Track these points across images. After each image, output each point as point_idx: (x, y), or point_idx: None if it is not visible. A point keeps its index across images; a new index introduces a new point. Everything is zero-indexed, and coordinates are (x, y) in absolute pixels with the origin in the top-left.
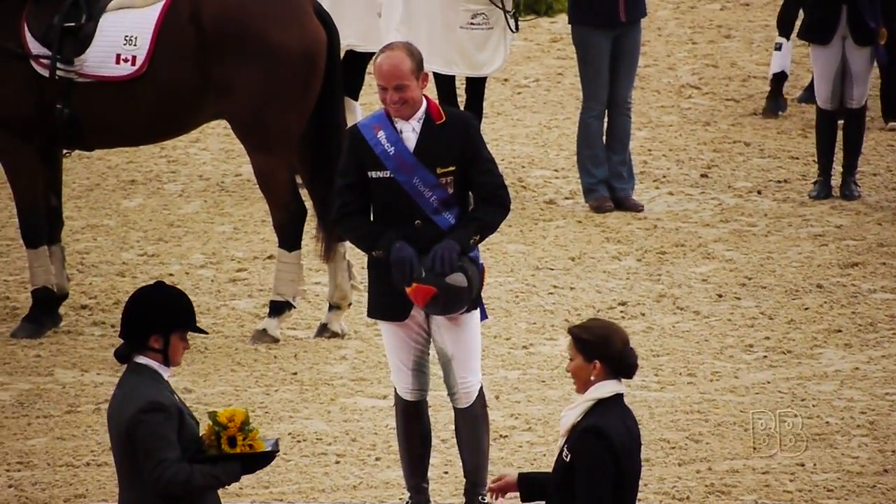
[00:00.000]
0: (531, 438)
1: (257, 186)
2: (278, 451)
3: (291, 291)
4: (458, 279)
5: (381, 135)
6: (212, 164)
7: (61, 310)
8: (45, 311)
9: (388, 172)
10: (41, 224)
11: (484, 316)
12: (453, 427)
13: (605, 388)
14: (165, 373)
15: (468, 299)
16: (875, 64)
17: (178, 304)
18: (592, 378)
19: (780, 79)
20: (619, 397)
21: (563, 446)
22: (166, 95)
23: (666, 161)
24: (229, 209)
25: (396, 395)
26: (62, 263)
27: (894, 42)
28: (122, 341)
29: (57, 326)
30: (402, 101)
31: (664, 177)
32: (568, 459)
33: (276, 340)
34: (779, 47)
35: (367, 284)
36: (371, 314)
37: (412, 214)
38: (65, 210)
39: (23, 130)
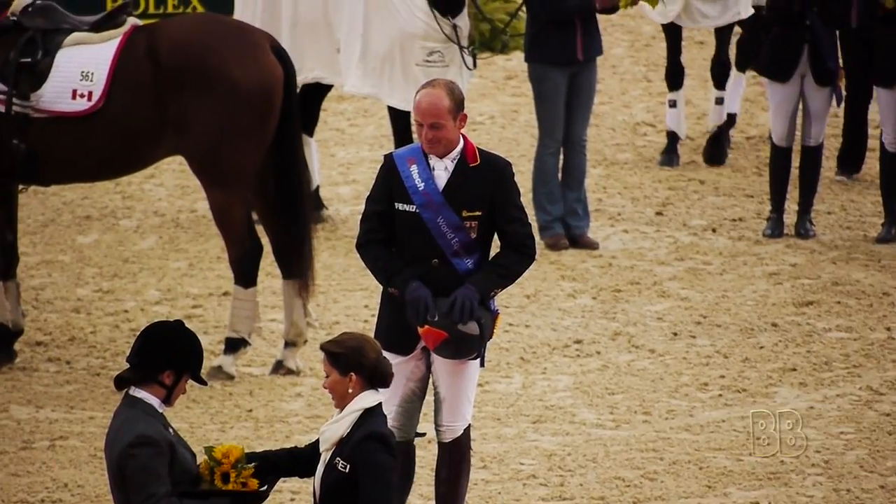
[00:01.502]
0: (486, 476)
1: (213, 222)
2: (269, 491)
3: (247, 328)
4: (471, 327)
5: (414, 169)
6: (167, 199)
7: (16, 346)
8: None
9: (414, 207)
10: None
11: (482, 364)
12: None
13: (368, 399)
14: (160, 407)
15: (478, 348)
16: (833, 104)
17: (197, 349)
18: (350, 391)
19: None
20: (380, 406)
21: (335, 458)
22: (123, 131)
23: (621, 199)
24: (185, 245)
25: None
26: (17, 299)
27: (855, 91)
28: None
29: (12, 363)
30: (436, 139)
31: (619, 214)
32: (347, 470)
33: (231, 377)
34: (673, 104)
35: (377, 312)
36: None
37: (431, 253)
38: (20, 245)
39: None
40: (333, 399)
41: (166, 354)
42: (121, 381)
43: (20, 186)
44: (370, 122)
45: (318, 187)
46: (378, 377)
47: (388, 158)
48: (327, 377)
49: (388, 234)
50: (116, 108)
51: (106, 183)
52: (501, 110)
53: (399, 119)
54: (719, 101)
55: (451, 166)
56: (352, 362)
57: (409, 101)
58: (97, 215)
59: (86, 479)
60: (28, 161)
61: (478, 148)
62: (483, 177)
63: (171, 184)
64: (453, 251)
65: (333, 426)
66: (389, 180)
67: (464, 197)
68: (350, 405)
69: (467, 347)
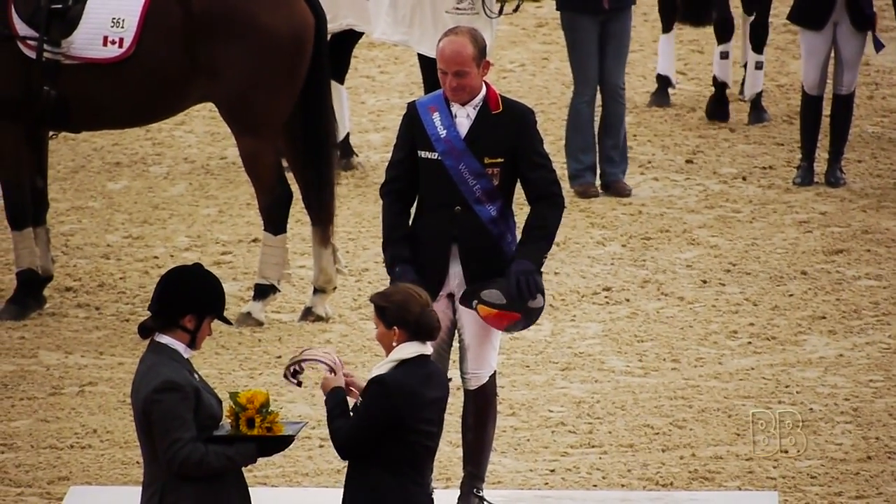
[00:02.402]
0: (514, 423)
1: (243, 169)
2: (295, 436)
3: (276, 275)
4: (538, 301)
5: (436, 116)
6: (197, 146)
7: (46, 292)
8: (29, 293)
9: (437, 155)
10: (26, 206)
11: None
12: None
13: (407, 350)
14: (185, 352)
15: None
16: (865, 52)
17: (218, 290)
18: (394, 343)
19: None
20: (421, 358)
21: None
22: (153, 78)
23: (651, 147)
24: (214, 192)
25: None
26: (47, 245)
27: None
28: (146, 316)
29: (41, 308)
30: (460, 87)
31: (649, 162)
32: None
33: (260, 324)
34: (725, 55)
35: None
36: None
37: (454, 200)
38: (50, 192)
39: (9, 112)
40: (385, 350)
41: (185, 299)
42: (144, 330)
43: (50, 133)
44: (401, 70)
45: (347, 134)
46: (422, 331)
47: (411, 106)
48: (376, 329)
49: (410, 182)
50: (147, 55)
51: (136, 129)
52: (532, 58)
53: (429, 66)
54: (759, 66)
55: (473, 113)
56: (396, 316)
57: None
58: (127, 162)
59: (115, 424)
60: (58, 108)
61: (500, 95)
62: (505, 123)
63: (202, 130)
64: (476, 198)
65: (375, 370)
66: (412, 128)
67: (486, 144)
68: (391, 354)
69: (535, 319)
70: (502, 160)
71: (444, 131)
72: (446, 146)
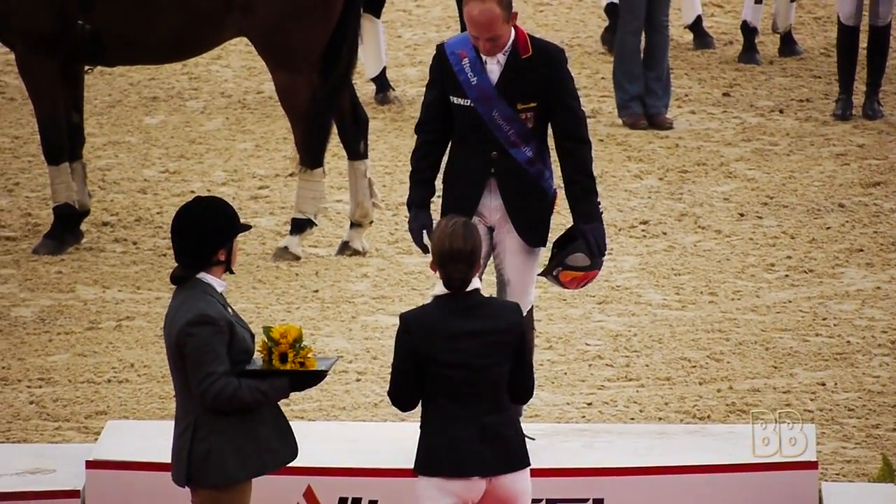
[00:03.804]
0: (552, 357)
1: (279, 104)
2: (328, 371)
3: (313, 209)
4: (603, 258)
5: (466, 63)
6: (234, 81)
7: (83, 226)
8: (66, 228)
9: (469, 101)
10: (63, 141)
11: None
12: None
13: (440, 286)
14: (219, 286)
15: None
16: None
17: (230, 211)
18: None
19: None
20: (459, 293)
21: None
22: (188, 12)
23: (688, 80)
24: (251, 126)
25: None
26: (84, 180)
27: None
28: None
29: (78, 243)
30: (494, 48)
31: (686, 96)
32: None
33: (297, 258)
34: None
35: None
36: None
37: (489, 145)
38: (86, 127)
39: (44, 46)
40: None
41: (210, 237)
42: (179, 279)
43: (86, 68)
44: (437, 3)
45: (384, 69)
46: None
47: (440, 50)
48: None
49: (442, 125)
50: None
51: (172, 64)
52: None
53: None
54: None
55: (503, 59)
56: (433, 254)
57: None
58: (164, 96)
59: (152, 359)
60: (93, 42)
61: (529, 36)
62: (536, 67)
63: (238, 65)
64: (511, 142)
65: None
66: (442, 73)
67: (518, 89)
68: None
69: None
70: (535, 104)
71: (475, 78)
72: (478, 93)
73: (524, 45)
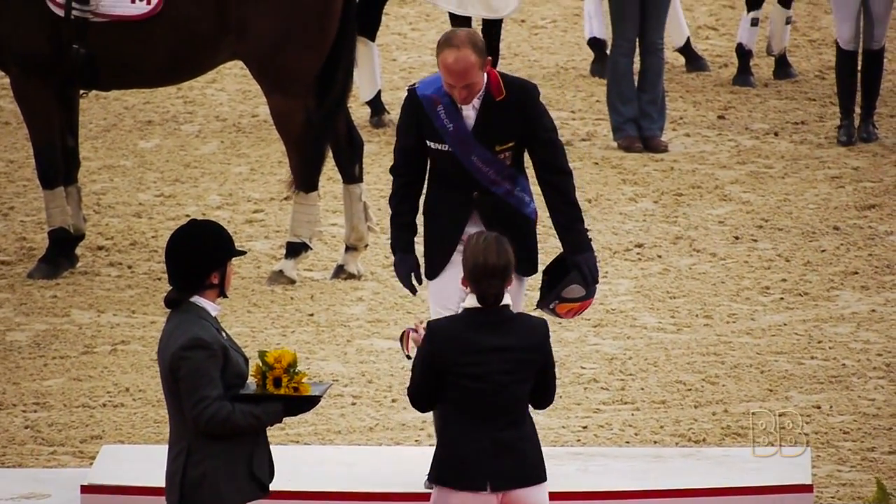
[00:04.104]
0: None
1: (274, 127)
2: (322, 396)
3: (308, 233)
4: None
5: (440, 108)
6: (229, 104)
7: (78, 250)
8: (61, 252)
9: (447, 146)
10: (58, 165)
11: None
12: None
13: (470, 300)
14: (213, 310)
15: None
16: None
17: (224, 235)
18: (465, 293)
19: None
20: (490, 308)
21: None
22: (183, 35)
23: (683, 103)
24: (246, 150)
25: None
26: (79, 204)
27: None
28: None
29: (73, 267)
30: (469, 95)
31: (681, 118)
32: None
33: (292, 282)
34: (755, 23)
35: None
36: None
37: (470, 185)
38: (81, 150)
39: (39, 71)
40: None
41: (204, 261)
42: (172, 302)
43: (81, 91)
44: (432, 27)
45: (379, 92)
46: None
47: (413, 96)
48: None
49: (418, 166)
50: (176, 13)
51: (168, 88)
52: (563, 14)
53: (460, 24)
54: (788, 21)
55: (477, 103)
56: (465, 268)
57: (468, 5)
58: (159, 120)
59: (147, 383)
60: (88, 66)
61: (500, 75)
62: (511, 108)
63: (233, 88)
64: (490, 181)
65: None
66: (417, 118)
67: (495, 132)
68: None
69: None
70: (512, 143)
71: (451, 124)
72: (455, 139)
73: (497, 87)
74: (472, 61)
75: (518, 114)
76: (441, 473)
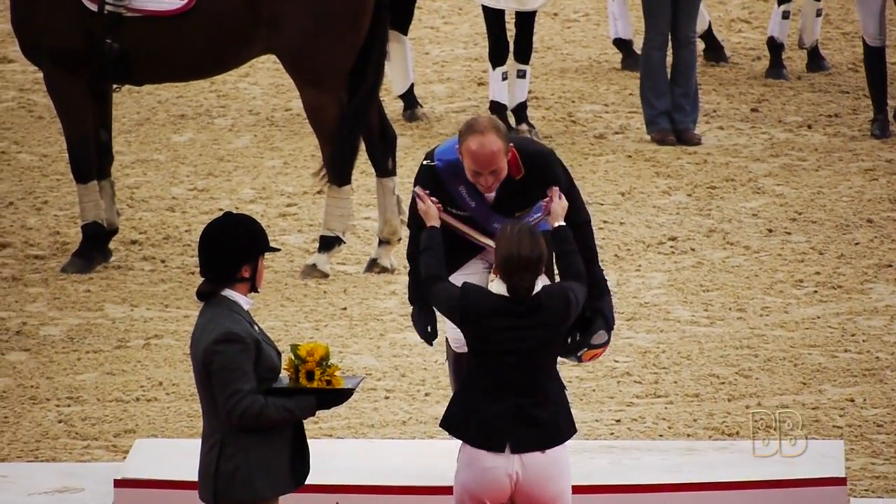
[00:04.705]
0: (580, 374)
1: (307, 121)
2: (355, 389)
3: (341, 226)
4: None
5: (462, 189)
6: (262, 98)
7: (111, 245)
8: (94, 246)
9: (467, 212)
10: (91, 159)
11: None
12: None
13: (496, 285)
14: (246, 304)
15: None
16: None
17: (258, 229)
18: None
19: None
20: (515, 296)
21: None
22: (215, 30)
23: (716, 95)
24: (279, 144)
25: (448, 345)
26: (112, 198)
27: None
28: (200, 279)
29: (107, 261)
30: (495, 182)
31: (714, 111)
32: None
33: (325, 275)
34: (786, 15)
35: None
36: None
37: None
38: (115, 144)
39: (72, 65)
40: None
41: (236, 253)
42: (204, 295)
43: (114, 86)
44: (465, 20)
45: (412, 85)
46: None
47: (434, 172)
48: None
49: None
50: (209, 7)
51: (201, 82)
52: (596, 7)
53: (493, 18)
54: (819, 13)
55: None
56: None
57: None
58: (192, 114)
59: (180, 377)
60: (121, 60)
61: (517, 151)
62: (531, 183)
63: (266, 82)
64: None
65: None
66: (436, 190)
67: (516, 204)
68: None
69: None
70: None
71: (472, 202)
72: (475, 212)
73: (516, 166)
74: (499, 146)
75: (538, 184)
76: (462, 430)
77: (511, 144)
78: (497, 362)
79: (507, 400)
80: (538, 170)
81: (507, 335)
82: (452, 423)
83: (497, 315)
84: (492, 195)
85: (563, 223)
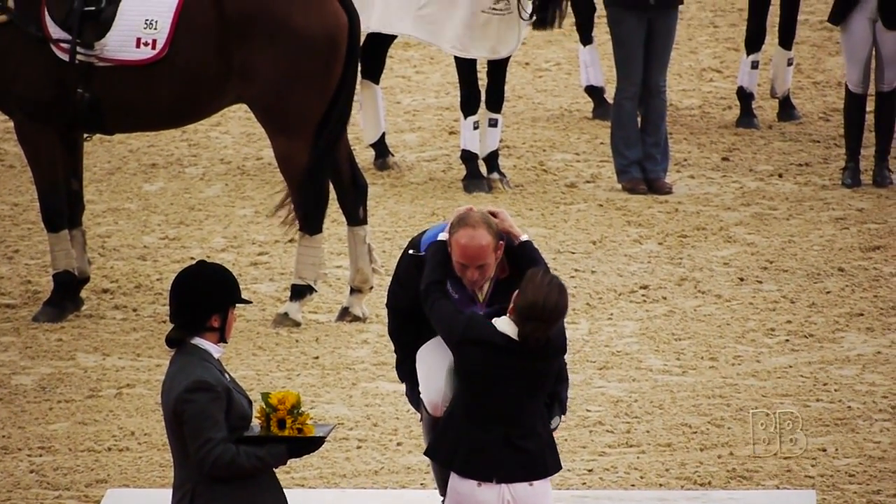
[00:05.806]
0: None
1: (278, 170)
2: (326, 437)
3: (313, 275)
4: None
5: (448, 284)
6: (233, 147)
7: (83, 293)
8: (66, 295)
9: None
10: (62, 208)
11: None
12: None
13: (503, 322)
14: (216, 352)
15: None
16: None
17: (230, 279)
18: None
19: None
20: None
21: None
22: (187, 79)
23: (687, 144)
24: (250, 193)
25: (423, 409)
26: (83, 247)
27: None
28: (171, 326)
29: (78, 310)
30: (482, 278)
31: (685, 160)
32: None
33: (297, 324)
34: (755, 65)
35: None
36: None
37: None
38: (86, 194)
39: (43, 114)
40: None
41: (206, 302)
42: (172, 341)
43: (85, 135)
44: (436, 70)
45: (383, 134)
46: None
47: (418, 262)
48: None
49: (415, 326)
50: (180, 57)
51: (172, 131)
52: (567, 56)
53: (464, 66)
54: (790, 63)
55: (485, 286)
56: (518, 303)
57: (470, 48)
58: (163, 163)
59: (153, 427)
60: (93, 110)
61: (505, 251)
62: (516, 279)
63: (237, 131)
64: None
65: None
66: (419, 280)
67: (500, 299)
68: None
69: None
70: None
71: (456, 294)
72: (460, 304)
73: (502, 266)
74: (488, 241)
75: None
76: (448, 459)
77: (501, 241)
78: (487, 393)
79: (495, 430)
80: (521, 266)
81: (503, 372)
82: (438, 451)
83: (499, 354)
84: (481, 294)
85: (528, 238)
